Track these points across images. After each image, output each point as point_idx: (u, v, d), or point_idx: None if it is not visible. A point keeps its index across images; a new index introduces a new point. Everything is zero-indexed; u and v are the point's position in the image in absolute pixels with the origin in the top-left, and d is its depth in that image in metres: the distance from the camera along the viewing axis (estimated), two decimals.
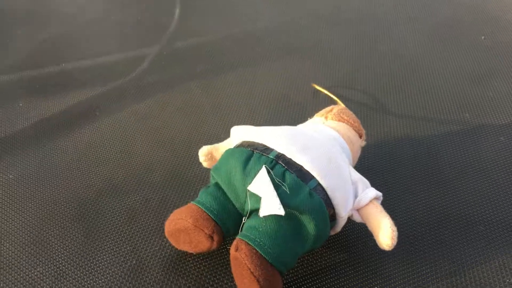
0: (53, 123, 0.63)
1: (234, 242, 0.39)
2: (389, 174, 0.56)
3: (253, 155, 0.42)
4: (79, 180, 0.54)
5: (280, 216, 0.39)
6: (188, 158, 0.58)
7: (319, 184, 0.41)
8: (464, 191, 0.53)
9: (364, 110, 0.68)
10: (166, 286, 0.43)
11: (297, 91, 0.71)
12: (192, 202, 0.43)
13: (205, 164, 0.51)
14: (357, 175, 0.44)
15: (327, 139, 0.46)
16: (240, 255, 0.37)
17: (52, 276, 0.44)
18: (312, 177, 0.41)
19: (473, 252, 0.46)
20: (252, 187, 0.40)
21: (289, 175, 0.40)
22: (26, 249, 0.46)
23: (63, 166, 0.56)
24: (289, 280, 0.44)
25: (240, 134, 0.47)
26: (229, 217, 0.42)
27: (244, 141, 0.46)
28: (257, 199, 0.40)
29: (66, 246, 0.46)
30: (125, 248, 0.46)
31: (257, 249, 0.38)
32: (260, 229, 0.39)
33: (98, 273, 0.44)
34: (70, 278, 0.43)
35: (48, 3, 1.00)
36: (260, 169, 0.41)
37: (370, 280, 0.43)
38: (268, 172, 0.40)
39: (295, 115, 0.67)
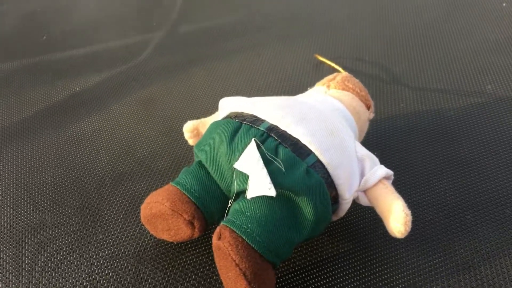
0: (57, 110, 0.60)
1: (217, 229, 0.32)
2: (405, 152, 0.49)
3: (241, 127, 0.36)
4: (82, 168, 0.50)
5: (272, 198, 0.33)
6: (192, 145, 0.53)
7: (319, 160, 0.34)
8: (490, 170, 0.46)
9: (376, 82, 0.61)
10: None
11: (305, 70, 0.65)
12: (171, 183, 0.37)
13: (190, 141, 0.45)
14: (364, 151, 0.37)
15: (329, 110, 0.39)
16: (223, 245, 0.31)
17: (55, 265, 0.39)
18: (310, 152, 0.34)
19: (500, 239, 0.39)
20: (239, 165, 0.34)
21: (283, 150, 0.34)
22: (27, 238, 0.42)
23: (66, 154, 0.52)
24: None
25: (229, 105, 0.41)
26: (213, 200, 0.36)
27: (231, 112, 0.39)
28: (245, 178, 0.34)
29: (68, 235, 0.42)
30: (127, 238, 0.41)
31: (244, 237, 0.31)
32: (248, 214, 0.33)
33: (102, 264, 0.39)
34: (72, 267, 0.39)
35: None
36: (248, 143, 0.34)
37: (378, 273, 0.37)
38: (258, 147, 0.34)
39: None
